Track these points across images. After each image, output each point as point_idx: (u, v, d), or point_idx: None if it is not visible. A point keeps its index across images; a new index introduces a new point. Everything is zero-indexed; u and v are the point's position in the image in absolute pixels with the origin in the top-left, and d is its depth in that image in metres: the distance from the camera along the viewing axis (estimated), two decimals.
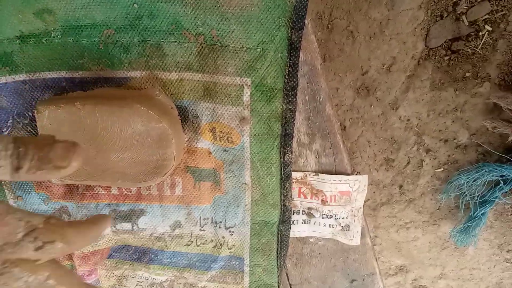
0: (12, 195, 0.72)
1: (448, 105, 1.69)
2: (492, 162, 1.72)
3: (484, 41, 1.57)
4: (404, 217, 1.93)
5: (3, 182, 0.70)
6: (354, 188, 0.74)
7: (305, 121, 0.69)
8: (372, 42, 1.62)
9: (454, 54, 1.62)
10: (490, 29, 1.56)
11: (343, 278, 0.83)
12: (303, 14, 0.58)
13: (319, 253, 0.81)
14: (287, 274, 0.83)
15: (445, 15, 1.58)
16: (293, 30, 0.59)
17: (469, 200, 1.75)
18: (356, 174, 0.73)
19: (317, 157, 0.72)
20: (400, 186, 1.86)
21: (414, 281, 2.12)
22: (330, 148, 0.71)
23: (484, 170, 1.68)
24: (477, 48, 1.59)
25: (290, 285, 0.84)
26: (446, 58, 1.63)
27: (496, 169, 1.66)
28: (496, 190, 1.69)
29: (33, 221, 0.40)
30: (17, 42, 0.61)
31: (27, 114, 0.66)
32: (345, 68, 1.66)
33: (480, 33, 1.57)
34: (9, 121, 0.66)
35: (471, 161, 1.78)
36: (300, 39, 0.60)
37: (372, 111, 1.72)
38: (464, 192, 1.74)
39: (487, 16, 1.54)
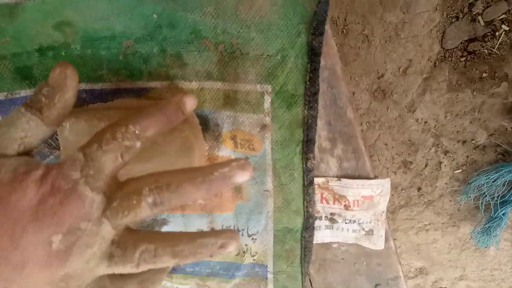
0: None
1: (465, 106, 1.67)
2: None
3: (501, 41, 1.55)
4: (423, 219, 1.91)
5: None
6: (377, 192, 0.73)
7: (326, 126, 0.68)
8: (388, 45, 1.61)
9: (471, 55, 1.60)
10: (507, 28, 1.54)
11: (367, 282, 0.82)
12: (324, 19, 0.57)
13: (342, 258, 0.80)
14: (310, 280, 0.82)
15: (461, 16, 1.56)
16: (313, 36, 0.58)
17: (489, 201, 1.74)
18: (375, 178, 0.71)
19: (339, 162, 0.71)
20: (419, 189, 1.84)
21: (435, 283, 2.10)
22: (352, 153, 0.70)
23: (503, 170, 1.66)
24: (493, 48, 1.57)
25: None
26: (463, 59, 1.61)
27: None
28: None
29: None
30: (36, 55, 0.61)
31: None
32: (361, 72, 1.65)
33: (497, 33, 1.55)
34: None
35: (490, 162, 1.76)
36: (321, 45, 0.59)
37: (389, 114, 1.70)
38: (484, 193, 1.73)
39: (503, 16, 1.52)
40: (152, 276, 0.49)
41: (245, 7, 0.57)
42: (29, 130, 0.40)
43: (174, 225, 0.74)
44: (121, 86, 0.63)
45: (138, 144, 0.42)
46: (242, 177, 0.42)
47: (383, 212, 0.75)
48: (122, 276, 0.45)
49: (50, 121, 0.41)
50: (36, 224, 0.36)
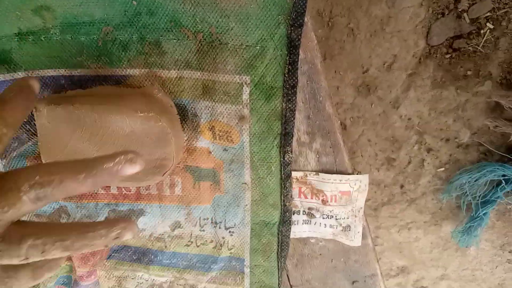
0: None
1: (449, 103, 1.69)
2: (494, 162, 1.72)
3: (485, 39, 1.57)
4: (405, 217, 1.93)
5: None
6: (355, 188, 0.74)
7: (305, 120, 0.69)
8: (373, 39, 1.62)
9: (456, 52, 1.62)
10: (491, 27, 1.56)
11: (344, 279, 0.83)
12: (303, 11, 0.58)
13: (320, 254, 0.81)
14: (287, 275, 0.83)
15: (447, 13, 1.58)
16: (292, 28, 0.59)
17: (470, 200, 1.76)
18: (357, 174, 0.73)
19: (318, 156, 0.72)
20: (401, 186, 1.86)
21: (416, 282, 2.12)
22: (331, 147, 0.71)
23: (485, 170, 1.68)
24: (478, 46, 1.59)
25: (291, 286, 0.84)
26: (448, 56, 1.63)
27: (498, 169, 1.66)
28: (498, 190, 1.69)
29: None
30: (16, 39, 0.61)
31: None
32: (346, 66, 1.66)
33: (482, 31, 1.57)
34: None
35: (472, 161, 1.78)
36: (299, 37, 0.60)
37: (373, 110, 1.72)
38: (466, 192, 1.74)
39: (488, 14, 1.54)
40: (48, 263, 0.48)
41: None
42: None
43: (151, 216, 0.74)
44: (100, 73, 0.64)
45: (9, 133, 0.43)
46: (130, 170, 0.43)
47: (361, 208, 0.76)
48: (14, 266, 0.45)
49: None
50: None
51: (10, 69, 0.63)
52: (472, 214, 1.79)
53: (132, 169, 0.42)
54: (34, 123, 0.65)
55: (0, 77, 0.63)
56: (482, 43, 1.58)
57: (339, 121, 0.70)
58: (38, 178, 0.40)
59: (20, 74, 0.63)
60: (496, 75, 1.61)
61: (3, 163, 0.69)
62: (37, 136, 0.67)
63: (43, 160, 0.63)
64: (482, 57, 1.60)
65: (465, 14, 1.56)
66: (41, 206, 0.41)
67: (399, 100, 1.69)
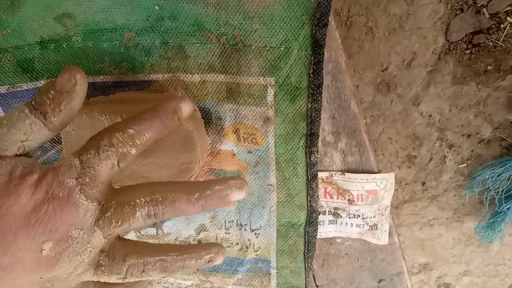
0: None
1: (470, 99, 1.67)
2: None
3: (506, 33, 1.54)
4: (427, 214, 1.91)
5: None
6: (381, 186, 0.73)
7: (330, 119, 0.68)
8: (392, 37, 1.60)
9: (476, 47, 1.60)
10: None
11: (371, 278, 0.82)
12: (327, 10, 0.57)
13: (346, 253, 0.80)
14: (313, 275, 0.82)
15: (465, 8, 1.55)
16: (317, 28, 0.58)
17: (493, 195, 1.73)
18: (379, 172, 0.72)
19: (343, 156, 0.71)
20: (423, 183, 1.84)
21: (439, 279, 2.10)
22: (356, 147, 0.70)
23: (508, 165, 1.66)
24: (498, 40, 1.56)
25: (317, 286, 0.83)
26: (467, 52, 1.61)
27: None
28: None
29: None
30: (38, 48, 0.61)
31: None
32: (365, 65, 1.65)
33: (502, 26, 1.54)
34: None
35: (494, 156, 1.75)
36: (324, 37, 0.59)
37: (393, 108, 1.70)
38: (489, 187, 1.72)
39: (508, 8, 1.52)
40: (135, 285, 0.49)
41: None
42: (31, 133, 0.39)
43: (176, 220, 0.74)
44: (122, 79, 0.63)
45: (134, 151, 0.42)
46: (238, 196, 0.43)
47: (387, 206, 0.75)
48: (105, 284, 0.45)
49: (53, 127, 0.40)
50: (28, 231, 0.36)
51: (33, 78, 0.63)
52: (495, 209, 1.77)
53: (240, 195, 0.43)
54: None
55: (24, 86, 0.63)
56: (502, 38, 1.55)
57: (364, 120, 0.69)
58: (152, 194, 0.41)
59: (42, 83, 0.63)
60: None
61: None
62: (60, 144, 0.67)
63: None
64: (502, 51, 1.57)
65: (484, 9, 1.54)
66: (149, 224, 0.42)
67: (419, 97, 1.68)
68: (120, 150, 0.41)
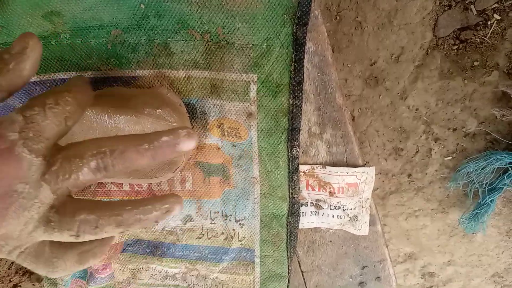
0: None
1: (456, 94, 1.67)
2: (501, 150, 1.70)
3: (492, 30, 1.55)
4: (413, 205, 1.92)
5: None
6: (362, 179, 0.74)
7: (316, 111, 0.69)
8: (381, 32, 1.61)
9: (463, 43, 1.60)
10: (499, 18, 1.54)
11: (354, 264, 0.84)
12: (308, 10, 0.58)
13: (330, 241, 0.81)
14: (298, 262, 0.84)
15: (454, 5, 1.56)
16: (298, 26, 0.59)
17: (477, 188, 1.75)
18: (365, 164, 0.73)
19: (328, 146, 0.72)
20: (409, 175, 1.85)
21: (423, 268, 2.12)
22: (341, 138, 0.71)
23: (492, 158, 1.67)
24: (485, 37, 1.57)
25: (302, 272, 0.85)
26: (455, 47, 1.61)
27: (505, 157, 1.65)
28: (504, 178, 1.69)
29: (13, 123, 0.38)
30: None
31: None
32: (354, 59, 1.65)
33: (489, 22, 1.55)
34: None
35: (479, 149, 1.76)
36: (305, 35, 0.60)
37: (381, 101, 1.71)
38: (473, 180, 1.74)
39: (496, 5, 1.52)
40: (94, 248, 0.48)
41: None
42: None
43: None
44: (109, 75, 0.64)
45: (80, 111, 0.43)
46: (187, 145, 0.42)
47: (368, 199, 0.76)
48: (62, 245, 0.45)
49: (1, 87, 0.39)
50: None
51: None
52: (479, 201, 1.78)
53: (189, 144, 0.42)
54: None
55: None
56: (489, 34, 1.56)
57: (349, 112, 0.70)
58: (100, 148, 0.40)
59: (32, 78, 0.63)
60: (503, 65, 1.60)
61: None
62: None
63: None
64: (489, 48, 1.58)
65: (472, 6, 1.54)
66: (100, 178, 0.41)
67: (406, 91, 1.68)
68: (68, 108, 0.41)
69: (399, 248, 2.05)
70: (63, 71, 0.64)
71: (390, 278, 0.85)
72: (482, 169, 1.71)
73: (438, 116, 1.72)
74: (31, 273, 0.85)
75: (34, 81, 0.64)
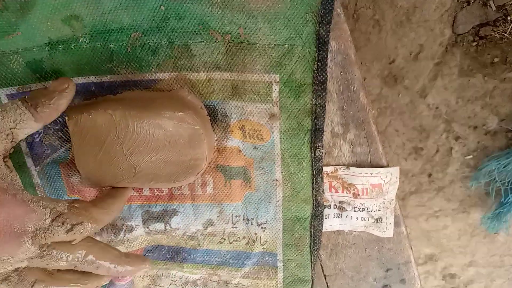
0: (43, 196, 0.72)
1: (477, 91, 1.66)
2: None
3: None
4: (433, 206, 1.91)
5: (36, 187, 0.72)
6: (386, 180, 0.73)
7: (339, 111, 0.68)
8: (399, 30, 1.60)
9: (482, 39, 1.59)
10: None
11: (378, 267, 0.83)
12: (331, 8, 0.58)
13: (354, 243, 0.81)
14: (321, 265, 0.83)
15: (472, 1, 1.55)
16: (320, 25, 0.59)
17: (499, 186, 1.73)
18: (386, 166, 0.72)
19: (352, 147, 0.72)
20: (429, 175, 1.84)
21: (444, 269, 2.11)
22: (365, 138, 0.71)
23: None
24: (505, 33, 1.55)
25: (325, 276, 0.84)
26: (474, 44, 1.60)
27: None
28: None
29: (57, 207, 0.47)
30: (47, 49, 0.61)
31: (58, 120, 0.67)
32: (372, 58, 1.64)
33: (508, 18, 1.54)
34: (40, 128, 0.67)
35: (501, 147, 1.75)
36: (328, 33, 0.59)
37: (400, 100, 1.70)
38: (495, 178, 1.72)
39: None
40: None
41: None
42: (20, 121, 0.47)
43: (184, 216, 0.75)
44: (129, 78, 0.64)
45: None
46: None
47: (392, 200, 0.75)
48: None
49: (39, 118, 0.48)
50: None
51: (42, 78, 0.64)
52: (501, 200, 1.77)
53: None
54: (66, 130, 0.67)
55: (33, 86, 0.64)
56: (509, 30, 1.54)
57: (373, 111, 0.70)
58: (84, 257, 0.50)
59: (51, 83, 0.64)
60: None
61: (37, 170, 0.70)
62: (69, 142, 0.68)
63: (77, 166, 0.64)
64: (509, 43, 1.56)
65: (491, 2, 1.53)
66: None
67: (426, 89, 1.67)
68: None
69: (420, 250, 2.04)
70: (82, 75, 0.64)
71: (415, 281, 0.84)
72: (504, 167, 1.69)
73: (458, 114, 1.70)
74: None
75: None
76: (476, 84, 1.65)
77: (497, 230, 1.83)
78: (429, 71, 1.64)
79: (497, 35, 1.56)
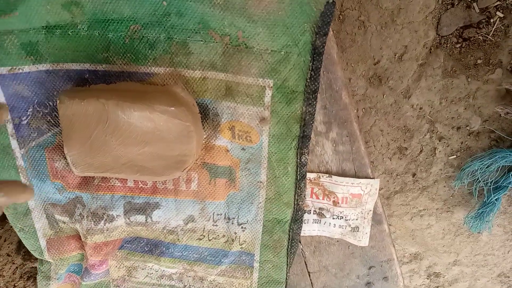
0: (28, 183, 0.73)
1: (460, 92, 1.69)
2: (505, 148, 1.72)
3: (495, 28, 1.57)
4: (417, 205, 1.94)
5: (19, 170, 0.73)
6: (366, 191, 0.77)
7: (322, 109, 0.71)
8: (384, 31, 1.62)
9: (466, 41, 1.62)
10: (501, 15, 1.55)
11: (361, 265, 0.86)
12: (329, 20, 0.61)
13: (337, 241, 0.83)
14: (305, 262, 0.86)
15: (456, 3, 1.58)
16: (317, 36, 0.62)
17: (482, 186, 1.76)
18: (369, 165, 0.76)
19: (334, 145, 0.74)
20: (413, 174, 1.87)
21: (429, 268, 2.13)
22: (347, 136, 0.74)
23: (497, 156, 1.68)
24: (488, 35, 1.59)
25: (309, 273, 0.87)
26: (458, 45, 1.63)
27: (509, 155, 1.66)
28: (509, 176, 1.70)
29: None
30: (43, 32, 0.63)
31: (47, 104, 0.68)
32: (357, 58, 1.66)
33: (492, 20, 1.57)
34: (29, 110, 0.68)
35: (484, 148, 1.78)
36: (324, 44, 0.62)
37: (384, 100, 1.72)
38: (478, 179, 1.74)
39: (498, 3, 1.54)
40: None
41: (254, 2, 0.60)
42: None
43: (166, 210, 0.77)
44: (125, 69, 0.66)
45: None
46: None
47: (370, 210, 0.79)
48: None
49: None
50: None
51: (36, 61, 0.65)
52: (484, 200, 1.79)
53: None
54: (55, 114, 0.69)
55: (26, 68, 0.66)
56: (492, 32, 1.58)
57: (355, 110, 0.72)
58: None
59: (45, 66, 0.66)
60: (506, 62, 1.62)
61: (22, 152, 0.71)
62: (57, 127, 0.70)
63: (65, 151, 0.65)
64: (492, 45, 1.60)
65: (474, 4, 1.56)
66: None
67: (410, 90, 1.70)
68: None
69: (404, 249, 2.06)
70: (77, 62, 0.66)
71: (397, 278, 0.87)
72: (486, 167, 1.72)
73: (442, 114, 1.73)
74: (35, 278, 0.87)
75: (47, 70, 0.66)
76: (459, 85, 1.68)
77: (480, 229, 1.86)
78: (413, 72, 1.67)
79: (480, 37, 1.60)
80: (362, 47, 1.65)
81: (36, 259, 0.84)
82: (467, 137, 1.74)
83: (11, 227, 0.78)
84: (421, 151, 1.81)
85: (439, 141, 1.77)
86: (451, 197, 1.88)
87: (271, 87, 0.66)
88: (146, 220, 0.78)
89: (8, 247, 0.90)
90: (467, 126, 1.72)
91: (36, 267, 0.86)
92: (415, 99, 1.70)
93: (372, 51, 1.65)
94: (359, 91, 1.73)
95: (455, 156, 1.79)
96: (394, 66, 1.66)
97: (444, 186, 1.86)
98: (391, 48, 1.64)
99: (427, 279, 2.17)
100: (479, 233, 1.95)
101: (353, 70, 1.70)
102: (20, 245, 0.91)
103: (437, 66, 1.64)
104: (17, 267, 0.91)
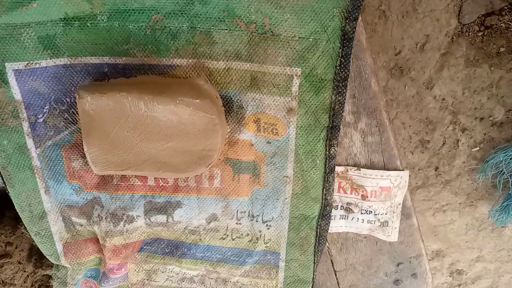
0: (44, 184, 0.73)
1: (483, 82, 1.67)
2: None
3: None
4: (440, 200, 1.92)
5: (35, 170, 0.72)
6: (395, 183, 0.76)
7: (350, 99, 0.71)
8: (405, 20, 1.61)
9: (488, 29, 1.60)
10: None
11: (389, 261, 0.85)
12: (360, 4, 0.60)
13: (365, 237, 0.83)
14: (331, 260, 0.85)
15: None
16: (347, 21, 0.61)
17: (507, 178, 1.74)
18: (398, 157, 0.75)
19: (363, 136, 0.74)
20: (436, 168, 1.85)
21: (451, 266, 2.12)
22: (376, 127, 0.73)
23: None
24: (511, 22, 1.56)
25: (335, 271, 0.86)
26: (480, 34, 1.61)
27: None
28: None
29: None
30: (61, 24, 0.62)
31: (65, 100, 0.67)
32: (378, 49, 1.65)
33: None
34: (46, 107, 0.68)
35: (507, 138, 1.76)
36: (354, 30, 0.62)
37: (406, 92, 1.71)
38: (502, 170, 1.73)
39: None
40: None
41: None
42: None
43: (188, 208, 0.76)
44: (145, 62, 0.65)
45: None
46: None
47: (399, 204, 0.78)
48: None
49: None
50: None
51: (53, 55, 0.64)
52: (509, 192, 1.78)
53: None
54: (73, 111, 0.68)
55: (43, 63, 0.65)
56: None
57: (384, 99, 0.70)
58: None
59: (62, 61, 0.65)
60: None
61: (37, 152, 0.70)
62: (74, 124, 0.69)
63: (85, 149, 0.65)
64: None
65: None
66: None
67: (432, 81, 1.68)
68: None
69: (427, 245, 2.05)
70: (96, 55, 0.65)
71: (426, 275, 0.86)
72: (511, 158, 1.70)
73: (465, 105, 1.72)
74: (47, 286, 0.86)
75: (64, 64, 0.65)
76: (482, 74, 1.66)
77: (505, 223, 1.84)
78: (435, 62, 1.65)
79: (503, 25, 1.58)
80: (383, 37, 1.64)
81: (48, 266, 0.84)
82: (490, 128, 1.73)
83: (22, 233, 0.77)
84: (443, 143, 1.79)
85: (462, 132, 1.75)
86: (475, 191, 1.87)
87: (299, 75, 0.65)
88: (167, 220, 0.77)
89: (19, 254, 0.89)
90: (490, 116, 1.70)
91: (47, 275, 0.86)
92: (437, 90, 1.69)
93: (393, 41, 1.64)
94: (380, 83, 1.71)
95: (478, 148, 1.78)
96: (416, 56, 1.65)
97: (468, 180, 1.85)
98: (413, 38, 1.62)
99: (450, 276, 2.16)
100: (503, 227, 1.93)
101: (374, 61, 1.68)
102: (31, 252, 0.90)
103: (460, 55, 1.62)
104: (28, 275, 0.91)
